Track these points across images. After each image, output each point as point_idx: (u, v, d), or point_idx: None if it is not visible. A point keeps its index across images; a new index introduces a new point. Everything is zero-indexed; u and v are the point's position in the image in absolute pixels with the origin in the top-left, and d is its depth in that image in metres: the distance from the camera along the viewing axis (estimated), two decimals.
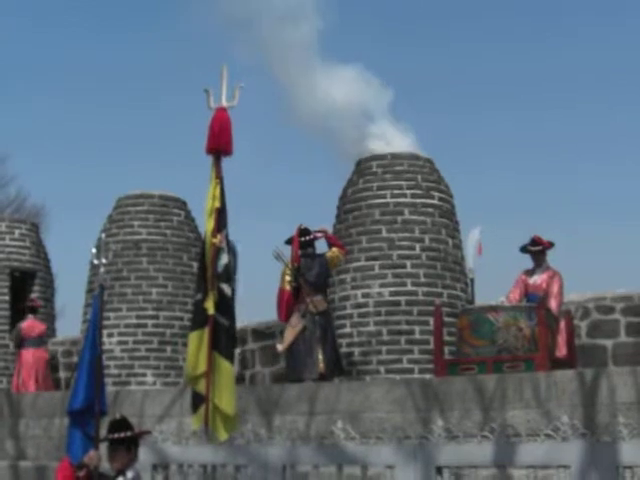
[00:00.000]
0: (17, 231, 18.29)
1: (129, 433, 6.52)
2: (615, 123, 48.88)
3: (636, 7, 44.60)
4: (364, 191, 13.78)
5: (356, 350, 13.17)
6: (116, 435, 6.47)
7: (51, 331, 18.40)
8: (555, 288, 11.87)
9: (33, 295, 17.99)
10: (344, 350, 13.26)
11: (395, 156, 13.97)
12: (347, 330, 13.34)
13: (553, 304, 11.65)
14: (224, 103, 7.90)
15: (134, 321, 15.27)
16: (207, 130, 7.94)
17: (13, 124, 47.63)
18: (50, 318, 18.51)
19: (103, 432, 6.58)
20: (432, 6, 52.87)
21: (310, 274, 11.79)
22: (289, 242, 12.01)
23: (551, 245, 12.16)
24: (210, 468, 6.67)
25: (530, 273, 12.22)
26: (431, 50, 55.01)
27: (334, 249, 11.99)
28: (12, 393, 13.64)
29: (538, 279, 12.08)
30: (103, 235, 15.42)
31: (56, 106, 50.07)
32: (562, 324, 11.77)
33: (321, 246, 12.21)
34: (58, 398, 12.10)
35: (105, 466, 6.60)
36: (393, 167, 13.82)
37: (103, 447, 6.55)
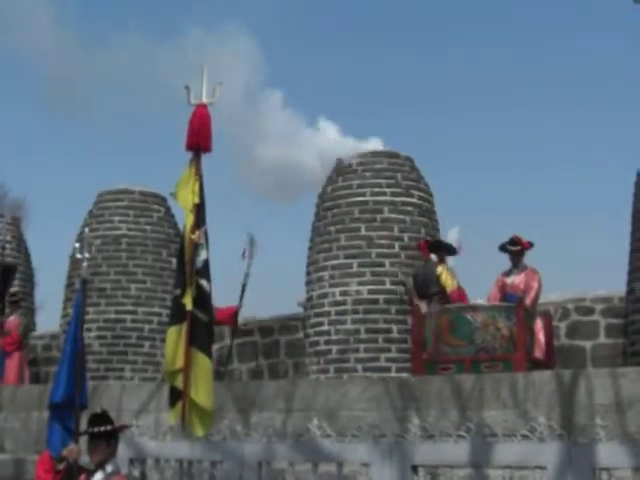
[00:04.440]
0: None
1: (109, 427, 6.53)
2: (596, 124, 49.12)
3: None
4: (343, 189, 13.78)
5: (334, 348, 13.18)
6: (96, 429, 6.47)
7: (31, 325, 18.34)
8: (533, 284, 11.91)
9: (13, 289, 17.94)
10: (322, 348, 13.27)
11: (375, 154, 13.98)
12: (325, 328, 13.35)
13: (529, 298, 11.68)
14: (204, 100, 7.91)
15: (113, 316, 15.25)
16: (187, 126, 7.96)
17: None
18: (30, 312, 18.45)
19: (83, 426, 6.58)
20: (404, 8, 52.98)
21: None
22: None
23: (530, 245, 12.20)
24: (186, 463, 6.68)
25: (508, 273, 12.26)
26: (405, 50, 55.12)
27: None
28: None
29: (516, 279, 12.11)
30: (86, 230, 15.40)
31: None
32: (541, 324, 11.82)
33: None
34: (37, 392, 12.07)
35: (85, 459, 6.61)
36: (373, 165, 13.83)
37: (83, 440, 6.55)
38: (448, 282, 11.96)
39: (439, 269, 12.04)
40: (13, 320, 15.65)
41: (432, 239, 12.38)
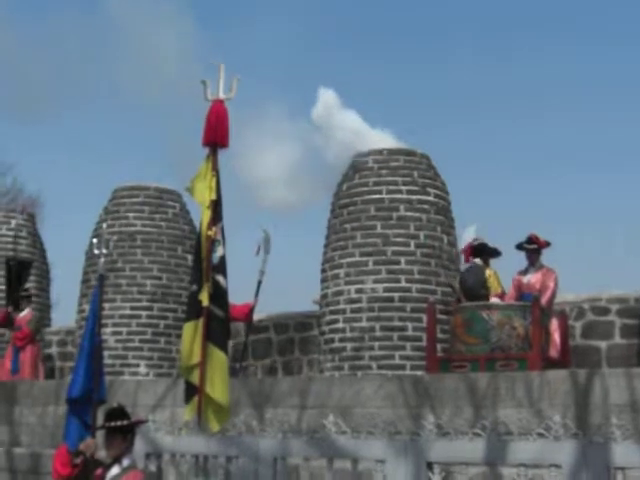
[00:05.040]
0: (13, 221, 18.32)
1: (126, 422, 6.57)
2: (618, 132, 49.02)
3: None
4: (359, 186, 13.78)
5: (348, 345, 13.18)
6: (113, 423, 6.51)
7: (47, 321, 18.44)
8: (550, 283, 11.90)
9: (29, 285, 18.05)
10: (336, 345, 13.29)
11: (391, 151, 13.97)
12: (340, 325, 13.36)
13: (545, 297, 11.67)
14: (221, 95, 7.93)
15: (128, 312, 15.30)
16: (204, 122, 7.98)
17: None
18: (46, 308, 18.53)
19: (100, 420, 6.62)
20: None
21: None
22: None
23: (547, 244, 12.17)
24: (202, 458, 6.71)
25: (524, 272, 12.25)
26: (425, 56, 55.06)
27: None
28: (7, 381, 13.66)
29: (532, 278, 12.10)
30: (104, 225, 15.45)
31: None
32: (556, 324, 11.80)
33: None
34: (53, 386, 12.14)
35: (102, 454, 6.64)
36: (389, 163, 13.82)
37: (100, 435, 6.59)
38: (494, 286, 12.01)
39: (487, 272, 12.06)
40: (24, 315, 15.77)
41: (478, 243, 12.32)
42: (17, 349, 15.41)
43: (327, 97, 17.72)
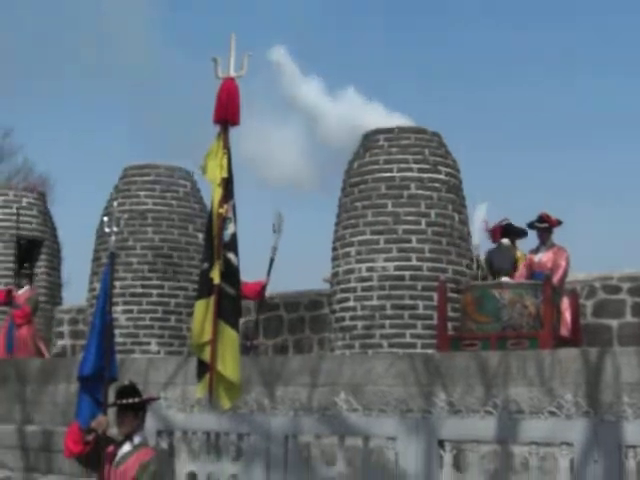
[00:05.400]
0: (24, 200, 18.34)
1: (137, 399, 6.58)
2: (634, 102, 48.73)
3: None
4: (370, 164, 13.73)
5: (359, 324, 13.18)
6: (124, 401, 6.52)
7: (58, 299, 18.48)
8: (561, 262, 11.88)
9: (40, 263, 18.11)
10: (347, 323, 13.29)
11: (402, 129, 13.92)
12: (351, 304, 13.35)
13: (556, 276, 11.65)
14: (232, 73, 7.90)
15: (139, 290, 15.32)
16: (215, 100, 7.96)
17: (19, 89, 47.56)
18: (56, 287, 18.58)
19: (112, 398, 6.63)
20: None
21: None
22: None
23: (559, 223, 12.14)
24: (213, 435, 6.72)
25: (535, 251, 12.23)
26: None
27: None
28: (19, 360, 13.67)
29: (543, 257, 12.08)
30: (115, 204, 15.45)
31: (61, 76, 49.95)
32: (567, 302, 11.79)
33: None
34: (64, 365, 12.17)
35: (113, 431, 6.66)
36: (400, 141, 13.77)
37: (112, 412, 6.60)
38: (519, 267, 12.04)
39: (518, 254, 12.06)
40: (23, 293, 15.72)
41: (506, 224, 12.29)
42: (12, 327, 15.35)
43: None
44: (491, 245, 12.35)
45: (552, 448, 5.81)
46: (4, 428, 11.55)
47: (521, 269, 12.18)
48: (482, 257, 12.42)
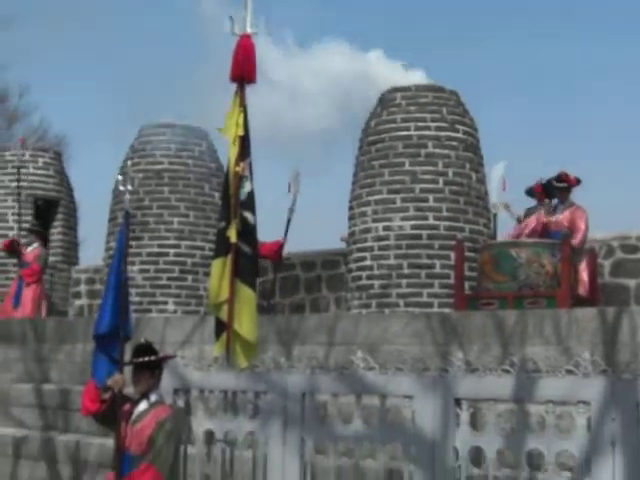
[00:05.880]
0: (40, 160, 18.35)
1: (153, 357, 6.59)
2: None
3: None
4: (387, 123, 13.66)
5: (376, 283, 13.17)
6: (140, 359, 6.53)
7: (74, 259, 18.54)
8: (580, 224, 11.80)
9: (56, 223, 18.13)
10: (364, 283, 13.28)
11: (420, 88, 13.83)
12: (367, 263, 13.34)
13: (576, 239, 11.58)
14: (248, 30, 7.83)
15: (156, 250, 15.34)
16: (231, 57, 7.89)
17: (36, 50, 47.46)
18: (73, 246, 18.63)
19: (128, 357, 6.64)
20: None
21: None
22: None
23: (578, 182, 12.05)
24: (230, 394, 6.73)
25: (553, 210, 12.14)
26: None
27: None
28: (37, 319, 13.70)
29: (561, 216, 12.00)
30: (129, 162, 15.44)
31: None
32: (585, 262, 11.73)
33: None
34: (81, 324, 12.21)
35: (129, 390, 6.68)
36: (417, 99, 13.69)
37: (128, 371, 6.61)
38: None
39: None
40: (32, 251, 15.55)
41: (545, 182, 12.20)
42: (21, 285, 15.28)
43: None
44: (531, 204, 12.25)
45: (569, 407, 5.80)
46: (22, 387, 11.62)
47: (531, 219, 12.06)
48: (522, 215, 12.33)
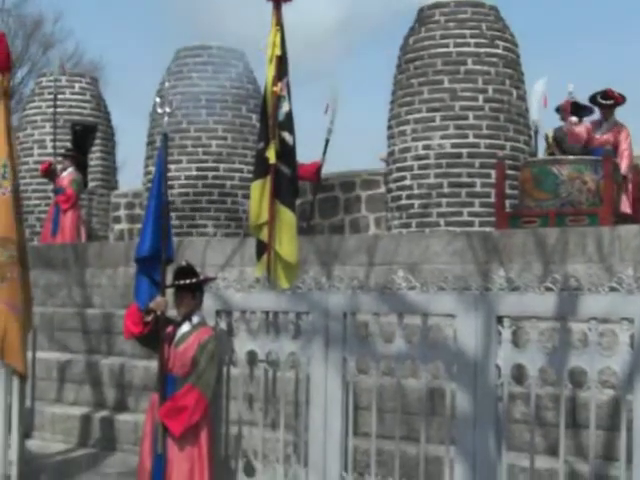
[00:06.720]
0: (77, 85, 18.32)
1: (194, 280, 6.61)
2: None
3: None
4: (426, 40, 13.47)
5: (416, 202, 13.11)
6: (182, 281, 6.56)
7: (113, 184, 18.60)
8: (624, 145, 11.61)
9: (95, 148, 18.13)
10: (404, 202, 13.21)
11: (458, 4, 13.59)
12: (407, 182, 13.26)
13: (623, 163, 11.41)
14: None
15: (194, 173, 15.35)
16: None
17: None
18: (112, 171, 18.69)
19: (169, 279, 6.67)
20: None
21: None
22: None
23: (623, 100, 11.82)
24: (272, 315, 6.75)
25: (597, 126, 11.94)
26: None
27: None
28: (78, 244, 13.74)
29: (605, 134, 11.82)
30: (166, 84, 15.38)
31: None
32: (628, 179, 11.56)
33: None
34: (122, 248, 12.28)
35: (172, 312, 6.72)
36: (456, 15, 13.46)
37: (169, 293, 6.65)
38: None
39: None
40: (66, 176, 15.26)
41: (573, 101, 11.95)
42: (58, 211, 15.04)
43: None
44: (558, 122, 12.05)
45: (612, 324, 5.75)
46: (65, 311, 11.74)
47: (583, 129, 11.80)
48: (550, 133, 12.11)
